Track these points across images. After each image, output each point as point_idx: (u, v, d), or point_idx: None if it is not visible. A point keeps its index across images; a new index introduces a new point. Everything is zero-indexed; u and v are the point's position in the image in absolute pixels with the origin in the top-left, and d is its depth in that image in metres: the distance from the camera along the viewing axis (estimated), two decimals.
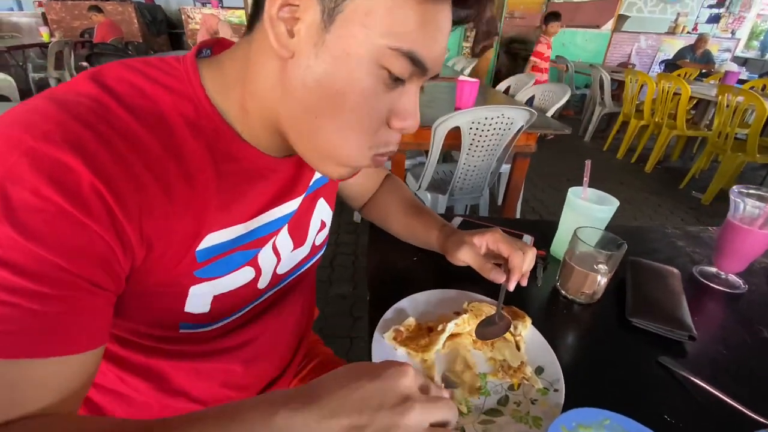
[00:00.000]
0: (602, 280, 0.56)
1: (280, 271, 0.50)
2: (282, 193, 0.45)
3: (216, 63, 0.39)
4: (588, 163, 0.65)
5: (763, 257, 0.73)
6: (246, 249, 0.43)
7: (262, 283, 0.47)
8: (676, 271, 0.66)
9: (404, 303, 0.57)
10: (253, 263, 0.44)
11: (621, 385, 0.48)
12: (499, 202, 2.20)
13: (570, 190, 0.67)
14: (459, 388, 0.45)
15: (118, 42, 4.58)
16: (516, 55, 6.30)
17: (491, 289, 0.58)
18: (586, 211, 0.64)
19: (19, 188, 0.26)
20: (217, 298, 0.41)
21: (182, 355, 0.46)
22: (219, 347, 0.48)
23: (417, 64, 0.33)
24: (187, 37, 7.03)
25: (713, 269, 0.69)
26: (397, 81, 0.34)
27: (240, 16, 6.77)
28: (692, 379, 0.48)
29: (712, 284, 0.67)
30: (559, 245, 0.70)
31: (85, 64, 4.70)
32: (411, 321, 0.52)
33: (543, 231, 0.77)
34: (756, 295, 0.65)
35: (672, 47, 5.75)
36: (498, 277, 0.53)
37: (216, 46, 0.43)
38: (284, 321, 0.56)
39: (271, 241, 0.46)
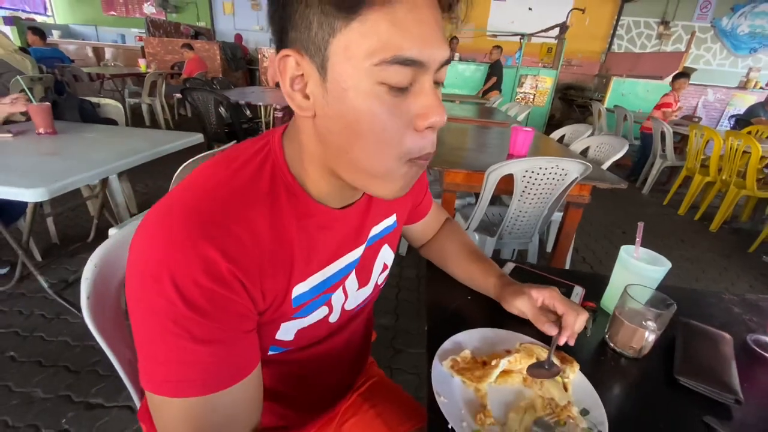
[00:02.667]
0: (650, 337, 0.59)
1: (348, 307, 0.57)
2: (348, 241, 0.52)
3: (289, 134, 0.46)
4: (641, 225, 0.70)
5: None
6: (324, 294, 0.51)
7: (333, 318, 0.55)
8: (728, 336, 0.67)
9: (461, 336, 0.64)
10: (328, 304, 0.53)
11: None
12: (549, 248, 2.20)
13: (622, 248, 0.72)
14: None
15: (203, 76, 5.19)
16: (572, 101, 6.30)
17: (542, 336, 0.64)
18: (638, 270, 0.68)
19: (187, 281, 0.36)
20: (299, 331, 0.51)
21: (276, 363, 0.55)
22: (295, 358, 0.57)
23: (408, 63, 0.34)
24: (261, 73, 7.80)
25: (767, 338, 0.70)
26: (401, 89, 0.36)
27: None
28: None
29: (764, 352, 0.68)
30: (610, 299, 0.74)
31: (178, 95, 5.36)
32: (467, 353, 0.59)
33: (594, 283, 0.81)
34: None
35: (743, 102, 5.49)
36: (550, 330, 0.60)
37: None
38: (348, 343, 0.64)
39: (342, 285, 0.54)
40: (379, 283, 0.63)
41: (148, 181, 3.33)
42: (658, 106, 4.34)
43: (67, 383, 1.42)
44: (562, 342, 0.60)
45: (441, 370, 0.57)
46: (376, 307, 2.29)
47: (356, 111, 0.36)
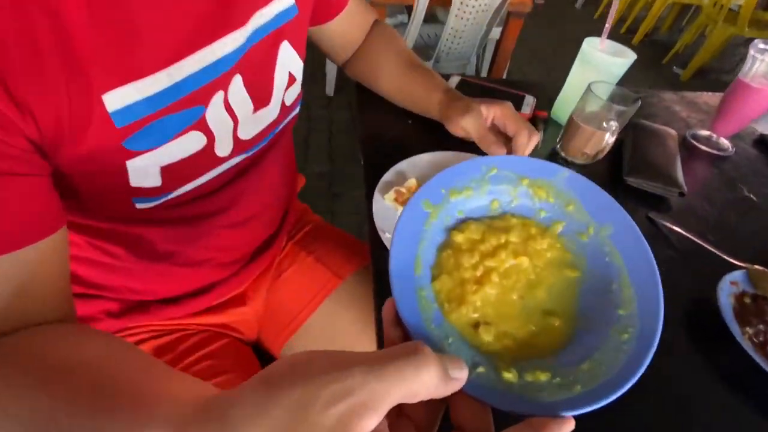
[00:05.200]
0: (610, 139, 0.53)
1: (244, 136, 0.41)
2: (209, 19, 0.32)
3: None
4: (615, 2, 0.56)
5: (751, 123, 0.73)
6: (179, 110, 0.33)
7: (222, 150, 0.39)
8: (673, 132, 0.65)
9: (404, 165, 0.53)
10: (201, 127, 0.35)
11: None
12: (483, 73, 2.06)
13: (586, 41, 0.60)
14: None
15: None
16: None
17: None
18: (602, 65, 0.58)
19: None
20: (166, 170, 0.35)
21: (158, 221, 0.42)
22: (197, 212, 0.43)
23: None
24: None
25: (706, 132, 0.69)
26: None
27: None
28: (677, 230, 0.50)
29: (702, 146, 0.68)
30: (562, 106, 0.66)
31: None
32: (412, 182, 0.50)
33: (544, 92, 0.71)
34: (741, 158, 0.67)
35: None
36: (497, 151, 0.50)
37: None
38: (264, 185, 0.51)
39: (220, 99, 0.36)
40: (287, 103, 0.46)
41: None
42: None
43: None
44: None
45: (383, 204, 0.48)
46: (306, 156, 2.13)
47: None
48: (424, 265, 0.24)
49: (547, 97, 0.70)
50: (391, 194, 0.48)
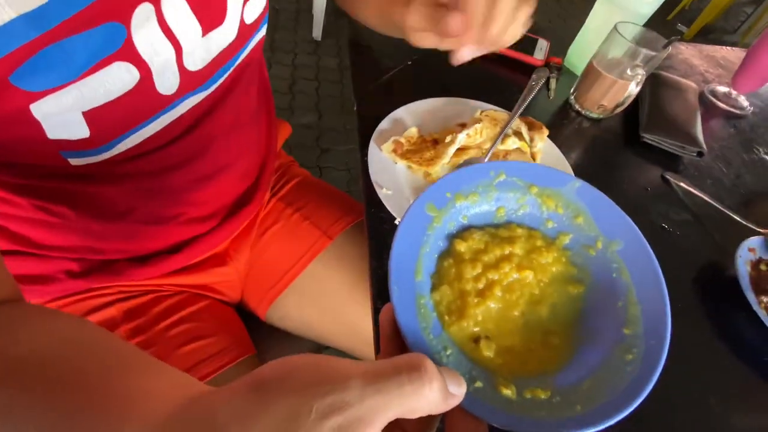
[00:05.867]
0: (634, 89, 0.48)
1: (192, 67, 0.33)
2: None
3: None
4: None
5: None
6: (81, 30, 0.24)
7: (165, 87, 0.31)
8: (694, 85, 0.60)
9: (401, 112, 0.47)
10: (128, 55, 0.27)
11: (625, 197, 0.47)
12: None
13: None
14: None
15: None
16: None
17: (504, 102, 0.49)
18: (629, 4, 0.51)
19: None
20: (91, 115, 0.28)
21: (107, 177, 0.35)
22: (154, 167, 0.37)
23: None
24: None
25: (725, 89, 0.64)
26: None
27: None
28: (692, 191, 0.47)
29: (720, 103, 0.63)
30: (578, 53, 0.60)
31: None
32: (413, 131, 0.44)
33: (559, 36, 0.64)
34: (759, 118, 0.63)
35: None
36: (452, 22, 0.31)
37: None
38: (234, 130, 0.43)
39: (149, 15, 0.27)
40: (247, 20, 0.36)
41: None
42: None
43: None
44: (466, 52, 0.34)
45: (380, 156, 0.43)
46: (293, 105, 2.00)
47: None
48: (424, 272, 0.23)
49: (560, 42, 0.63)
50: (389, 145, 0.43)
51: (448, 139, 0.42)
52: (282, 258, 0.54)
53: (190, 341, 0.44)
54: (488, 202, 0.26)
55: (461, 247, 0.24)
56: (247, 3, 0.35)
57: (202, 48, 0.32)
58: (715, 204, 0.46)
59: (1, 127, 0.25)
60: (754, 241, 0.41)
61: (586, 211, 0.26)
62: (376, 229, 0.39)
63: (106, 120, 0.29)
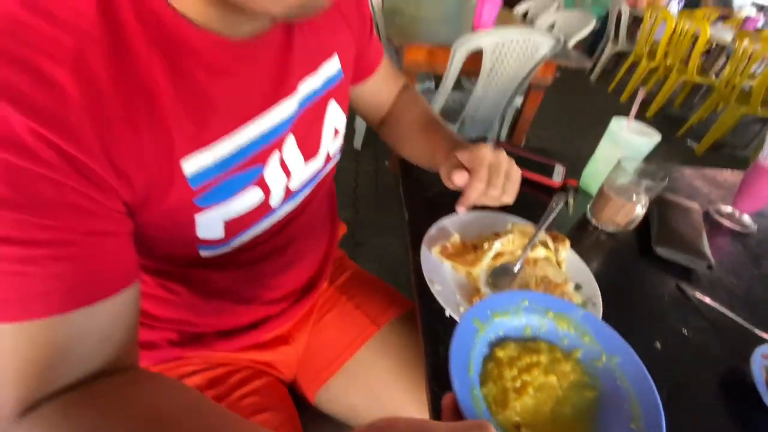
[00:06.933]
0: (641, 211, 0.58)
1: (293, 186, 0.45)
2: (265, 92, 0.37)
3: None
4: (641, 90, 0.64)
5: None
6: (242, 170, 0.37)
7: (275, 201, 0.43)
8: (697, 207, 0.69)
9: (446, 222, 0.58)
10: (260, 183, 0.39)
11: (645, 305, 0.53)
12: (502, 137, 2.17)
13: (613, 120, 0.67)
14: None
15: None
16: None
17: (529, 215, 0.60)
18: (628, 143, 0.64)
19: None
20: (229, 224, 0.39)
21: (217, 264, 0.45)
22: (251, 257, 0.48)
23: None
24: None
25: (728, 208, 0.73)
26: None
27: None
28: (706, 301, 0.53)
29: (726, 222, 0.71)
30: (591, 176, 0.71)
31: None
32: (456, 238, 0.54)
33: (572, 161, 0.77)
34: (764, 235, 0.70)
35: None
36: (457, 179, 0.45)
37: None
38: (309, 229, 0.55)
39: (276, 157, 0.40)
40: (331, 153, 0.50)
41: None
42: None
43: None
44: (468, 200, 0.46)
45: (430, 257, 0.52)
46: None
47: None
48: (474, 370, 0.30)
49: (575, 165, 0.76)
50: (438, 248, 0.52)
51: (485, 246, 0.52)
52: (335, 342, 0.61)
53: (255, 413, 0.49)
54: (518, 320, 0.34)
55: (500, 353, 0.32)
56: (333, 142, 0.50)
57: (302, 174, 0.46)
58: (727, 313, 0.51)
59: (168, 229, 0.37)
60: (766, 348, 0.45)
61: (590, 332, 0.33)
62: (427, 319, 0.46)
63: (236, 225, 0.40)
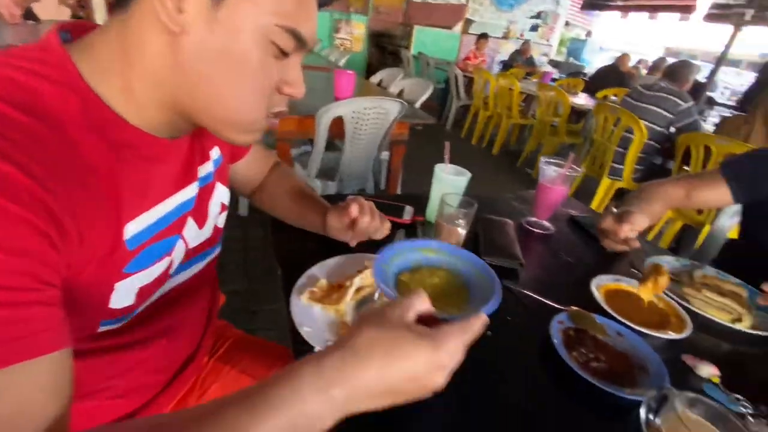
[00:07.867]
0: (463, 232, 0.73)
1: (189, 255, 0.52)
2: (180, 176, 0.47)
3: (85, 47, 0.37)
4: (447, 144, 0.83)
5: (563, 208, 1.03)
6: (166, 236, 0.45)
7: (173, 269, 0.49)
8: (510, 221, 0.89)
9: (314, 269, 0.65)
10: (170, 255, 0.46)
11: None
12: (382, 186, 2.40)
13: (436, 166, 0.84)
14: None
15: None
16: (384, 49, 6.70)
17: None
18: (448, 182, 0.81)
19: None
20: (142, 290, 0.43)
21: (99, 351, 0.45)
22: (138, 337, 0.49)
23: (299, 40, 0.38)
24: None
25: (534, 219, 0.96)
26: (283, 54, 0.39)
27: None
28: (522, 291, 0.69)
29: (533, 228, 0.93)
30: (431, 210, 0.87)
31: None
32: (323, 282, 0.61)
33: (419, 202, 0.93)
34: (560, 234, 0.93)
35: (506, 49, 6.88)
36: (343, 234, 0.68)
37: (74, 29, 0.40)
38: (194, 304, 0.58)
39: (181, 230, 0.48)
40: (219, 225, 0.59)
41: None
42: (463, 59, 5.46)
43: None
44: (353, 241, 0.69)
45: (299, 303, 0.58)
46: (225, 274, 2.10)
47: (246, 53, 0.37)
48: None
49: (422, 204, 0.92)
50: (306, 294, 0.58)
51: (348, 283, 0.60)
52: None
53: None
54: (407, 258, 0.55)
55: (402, 278, 0.53)
56: (220, 215, 0.58)
57: (194, 241, 0.52)
58: (537, 297, 0.67)
59: (87, 296, 0.37)
60: (561, 316, 0.61)
61: (449, 252, 0.58)
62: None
63: (145, 294, 0.44)
